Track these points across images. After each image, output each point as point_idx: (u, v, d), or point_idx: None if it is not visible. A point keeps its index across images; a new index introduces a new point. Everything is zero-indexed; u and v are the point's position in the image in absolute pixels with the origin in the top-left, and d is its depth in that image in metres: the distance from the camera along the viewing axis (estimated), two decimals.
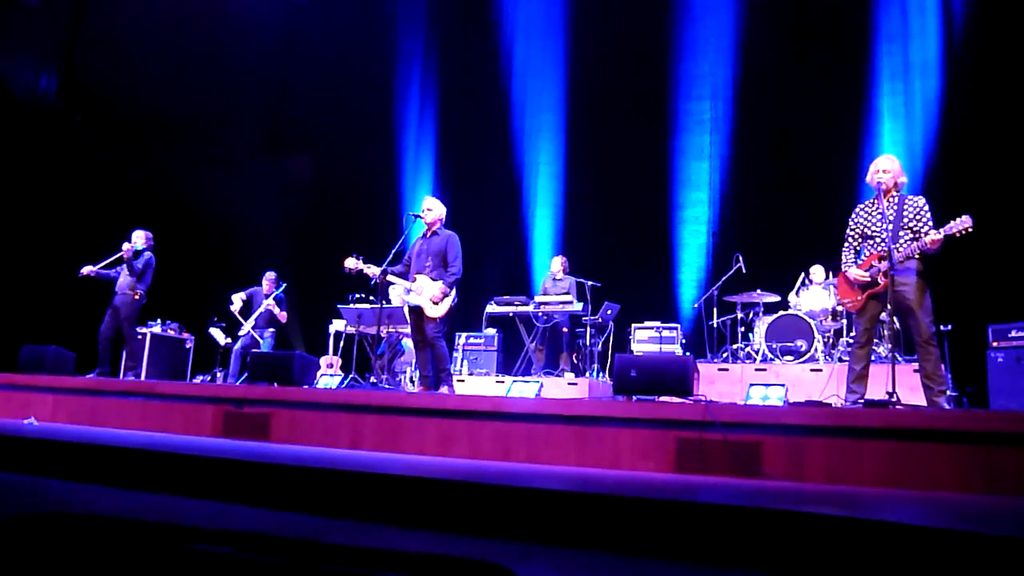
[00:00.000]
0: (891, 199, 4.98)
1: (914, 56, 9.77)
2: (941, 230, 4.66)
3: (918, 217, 4.87)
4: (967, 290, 7.64)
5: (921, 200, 4.94)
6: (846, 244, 5.17)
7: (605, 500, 2.73)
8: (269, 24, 12.33)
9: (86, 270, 7.86)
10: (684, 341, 8.84)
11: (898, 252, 4.78)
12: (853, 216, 5.17)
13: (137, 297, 7.83)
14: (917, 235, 4.82)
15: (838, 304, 7.39)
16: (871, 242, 5.00)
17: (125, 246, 7.86)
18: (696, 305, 9.06)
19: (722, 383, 7.67)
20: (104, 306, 7.94)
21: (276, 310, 8.99)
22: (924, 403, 4.73)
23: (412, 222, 6.45)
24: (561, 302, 8.53)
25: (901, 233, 4.87)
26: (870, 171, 5.08)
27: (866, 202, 5.14)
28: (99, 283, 8.05)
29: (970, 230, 4.59)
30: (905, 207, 4.92)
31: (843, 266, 5.14)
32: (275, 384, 5.94)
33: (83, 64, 10.99)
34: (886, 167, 5.00)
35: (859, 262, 5.05)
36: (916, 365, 4.98)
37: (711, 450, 3.98)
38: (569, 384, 7.82)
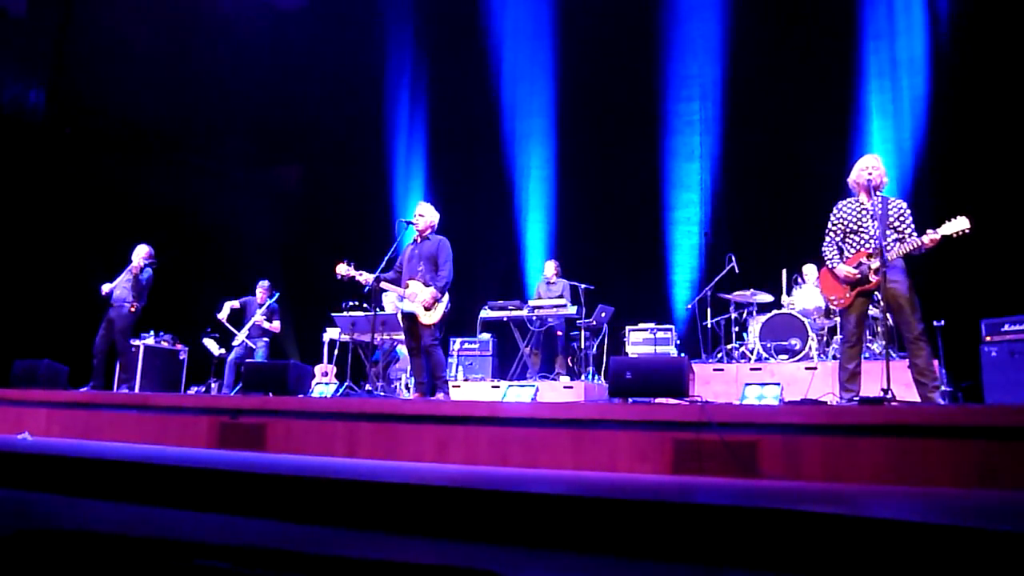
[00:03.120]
0: (875, 198, 5.00)
1: (901, 53, 9.83)
2: (939, 231, 4.67)
3: (901, 219, 4.91)
4: (960, 285, 7.68)
5: (903, 203, 4.99)
6: (828, 240, 5.17)
7: (603, 503, 2.72)
8: (258, 34, 12.32)
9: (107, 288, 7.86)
10: (679, 342, 8.86)
11: (889, 251, 4.79)
12: (835, 212, 5.17)
13: (133, 310, 7.81)
14: (902, 236, 4.85)
15: (826, 301, 7.42)
16: (855, 237, 5.01)
17: (136, 261, 7.84)
18: (690, 306, 9.07)
19: (717, 383, 7.68)
20: (96, 319, 7.91)
21: (265, 323, 8.96)
22: (918, 399, 4.75)
23: (404, 228, 6.44)
24: (555, 306, 8.53)
25: (887, 232, 4.89)
26: (857, 169, 5.10)
27: (849, 199, 5.16)
28: (91, 296, 8.01)
29: (967, 232, 4.61)
30: (890, 208, 4.96)
31: (828, 262, 5.13)
32: (270, 394, 5.92)
33: (72, 76, 10.97)
34: (875, 164, 5.03)
35: (845, 258, 5.05)
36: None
37: (708, 451, 3.98)
38: (565, 388, 7.82)
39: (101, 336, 7.80)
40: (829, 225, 5.17)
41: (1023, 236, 7.83)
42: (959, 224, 4.63)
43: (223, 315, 8.96)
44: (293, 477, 3.35)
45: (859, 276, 4.92)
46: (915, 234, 4.80)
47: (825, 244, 5.17)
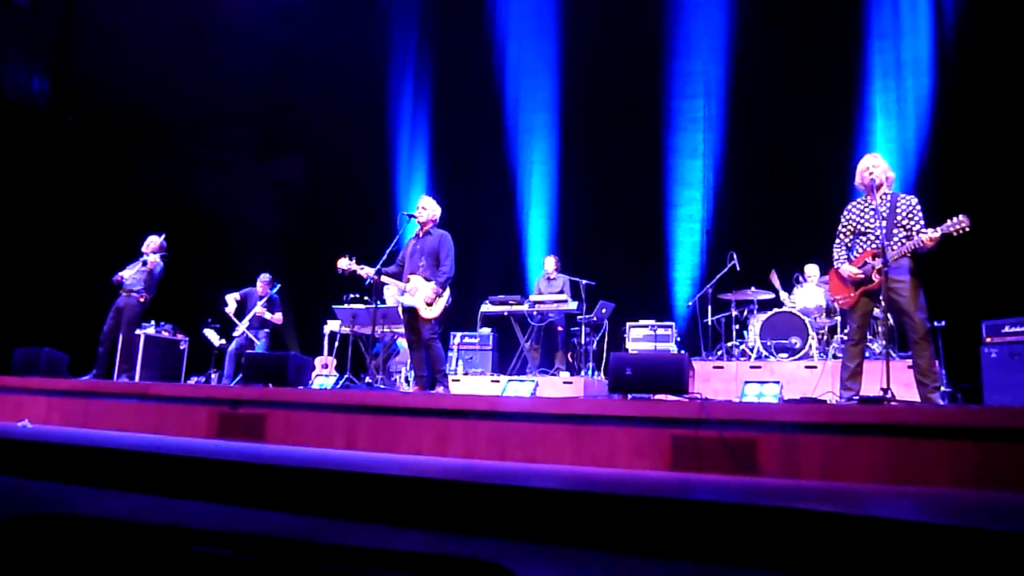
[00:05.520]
0: (883, 196, 4.99)
1: (906, 54, 9.81)
2: (938, 229, 4.65)
3: (911, 216, 4.88)
4: (961, 286, 7.67)
5: (913, 199, 4.95)
6: (837, 241, 5.19)
7: (601, 499, 2.73)
8: (261, 25, 12.30)
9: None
10: (679, 339, 8.86)
11: (892, 250, 4.78)
12: (845, 213, 5.18)
13: (143, 300, 7.82)
14: (910, 233, 4.82)
15: (831, 301, 7.42)
16: (864, 239, 5.01)
17: (151, 258, 7.85)
18: (690, 303, 9.07)
19: (717, 381, 7.68)
20: (97, 307, 7.91)
21: (267, 315, 8.96)
22: (918, 399, 4.75)
23: (406, 222, 6.44)
24: (556, 301, 8.54)
25: (895, 231, 4.87)
26: (858, 171, 5.10)
27: (858, 199, 5.16)
28: (91, 284, 8.02)
29: (968, 230, 4.58)
30: (898, 205, 4.93)
31: (835, 263, 5.15)
32: (270, 385, 5.93)
33: (75, 66, 10.96)
34: (875, 163, 5.02)
35: (852, 258, 5.06)
36: (910, 361, 4.99)
37: (707, 448, 3.98)
38: (564, 383, 7.82)
39: (109, 325, 7.80)
40: (839, 227, 5.18)
41: None
42: (958, 222, 4.61)
43: (230, 309, 8.98)
44: (292, 468, 3.36)
45: (863, 276, 4.92)
46: (925, 231, 4.76)
47: (835, 245, 5.18)
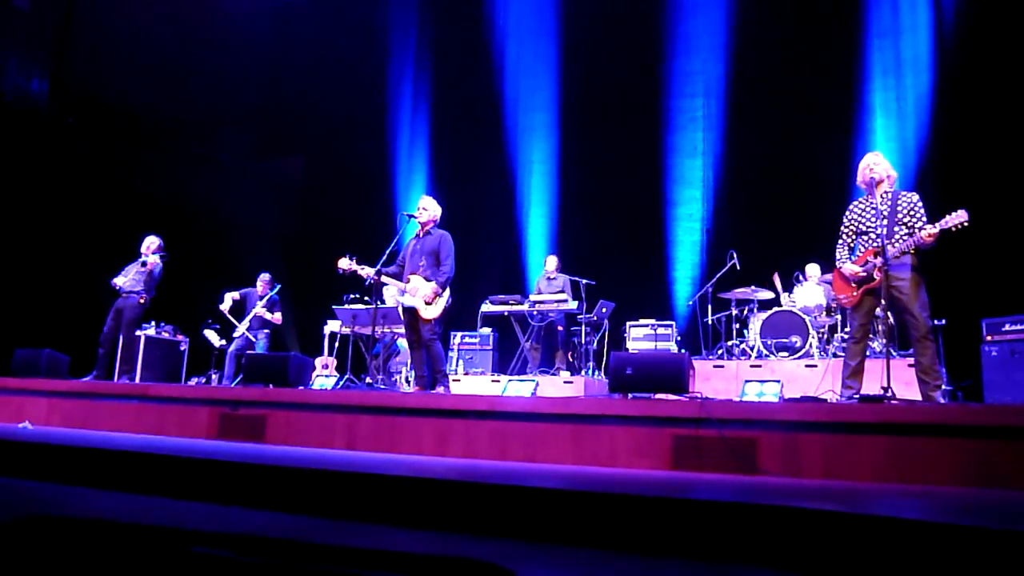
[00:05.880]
0: (884, 195, 5.00)
1: (906, 52, 9.80)
2: (937, 224, 4.65)
3: (912, 212, 4.88)
4: (961, 284, 7.67)
5: (915, 196, 4.95)
6: (840, 240, 5.20)
7: (602, 498, 2.73)
8: (260, 25, 12.31)
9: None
10: (679, 338, 8.86)
11: (892, 247, 4.78)
12: (847, 213, 5.19)
13: (143, 302, 7.82)
14: (912, 230, 4.83)
15: (833, 299, 7.42)
16: (865, 238, 5.02)
17: (151, 259, 7.84)
18: (691, 302, 9.07)
19: (717, 380, 7.68)
20: (97, 308, 7.91)
21: (267, 315, 8.95)
22: (919, 398, 4.74)
23: (406, 222, 6.44)
24: (556, 301, 8.53)
25: (896, 228, 4.87)
26: (860, 170, 5.10)
27: (860, 199, 5.16)
28: (92, 286, 8.02)
29: (966, 224, 4.58)
30: (899, 203, 4.93)
31: (837, 262, 5.16)
32: (270, 385, 5.93)
33: (74, 67, 10.96)
34: (876, 161, 5.04)
35: (854, 258, 5.06)
36: (910, 360, 4.98)
37: (707, 447, 3.98)
38: (565, 383, 7.82)
39: (109, 327, 7.79)
40: (842, 227, 5.19)
41: None
42: (957, 217, 4.61)
43: (225, 306, 8.97)
44: (292, 468, 3.36)
45: (864, 275, 4.92)
46: (925, 227, 4.76)
47: (837, 245, 5.19)
